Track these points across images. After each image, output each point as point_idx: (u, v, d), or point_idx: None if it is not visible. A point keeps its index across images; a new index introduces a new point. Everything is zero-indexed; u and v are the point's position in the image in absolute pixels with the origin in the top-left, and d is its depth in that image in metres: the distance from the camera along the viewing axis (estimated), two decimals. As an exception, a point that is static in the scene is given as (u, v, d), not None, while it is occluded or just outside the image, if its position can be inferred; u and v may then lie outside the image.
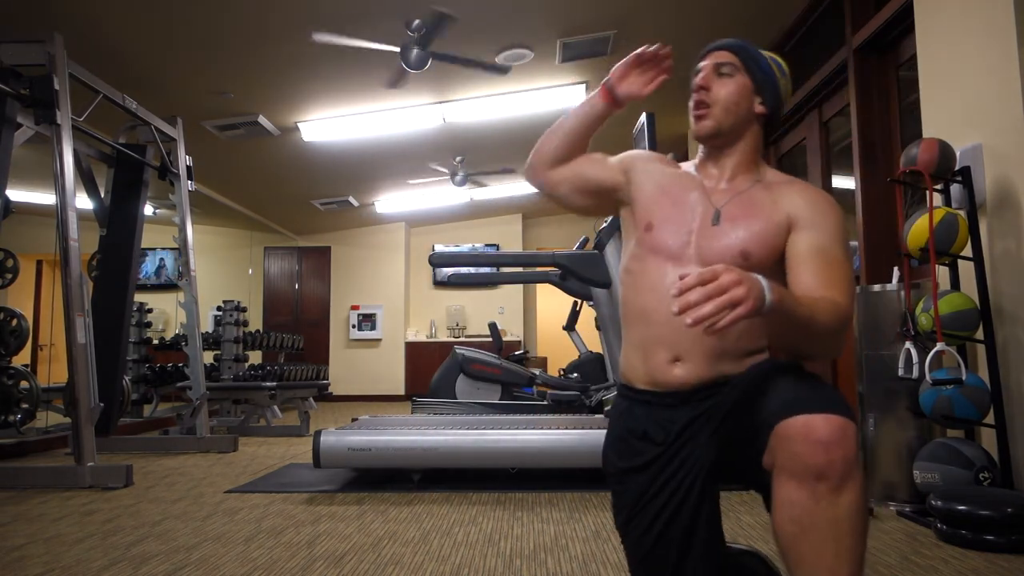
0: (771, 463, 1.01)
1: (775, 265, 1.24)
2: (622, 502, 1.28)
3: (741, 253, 1.22)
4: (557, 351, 9.13)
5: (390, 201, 8.35)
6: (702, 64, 1.34)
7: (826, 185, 4.28)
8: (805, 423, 0.96)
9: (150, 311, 6.07)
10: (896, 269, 2.71)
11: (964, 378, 2.32)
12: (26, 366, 4.33)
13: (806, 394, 1.01)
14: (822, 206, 1.25)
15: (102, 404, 3.48)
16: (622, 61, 1.35)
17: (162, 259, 9.24)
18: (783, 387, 1.05)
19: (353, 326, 9.29)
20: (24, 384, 3.86)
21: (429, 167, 6.92)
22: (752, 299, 0.93)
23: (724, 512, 2.42)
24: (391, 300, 9.36)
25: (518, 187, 8.14)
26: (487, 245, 9.56)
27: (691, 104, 1.32)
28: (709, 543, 1.19)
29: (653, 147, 3.21)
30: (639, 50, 1.34)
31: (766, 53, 1.37)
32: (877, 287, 2.74)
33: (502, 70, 4.56)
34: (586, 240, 4.55)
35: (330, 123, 5.65)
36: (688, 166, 1.40)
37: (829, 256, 1.20)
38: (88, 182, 4.49)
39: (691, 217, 1.28)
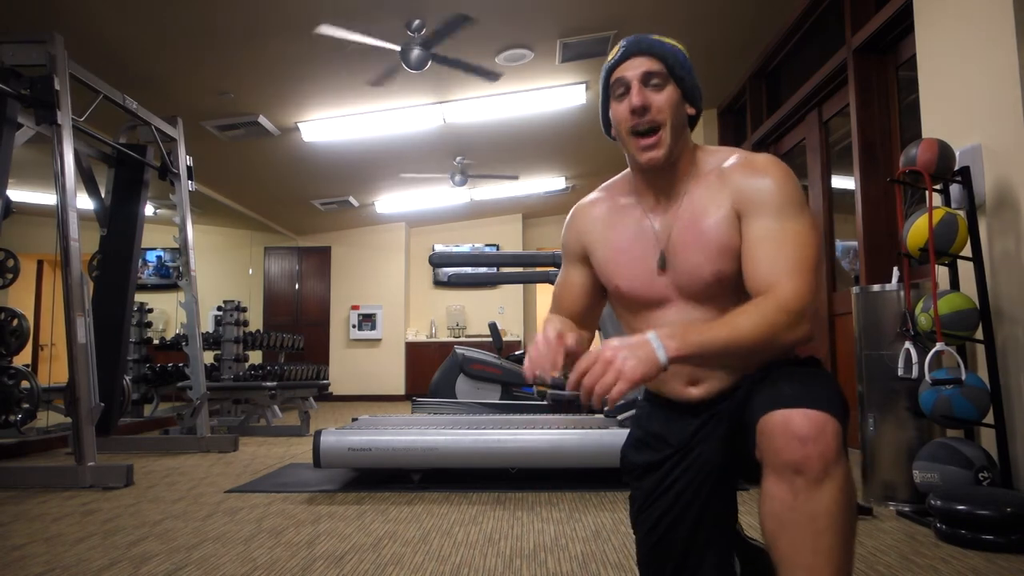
0: (760, 457, 1.02)
1: None
2: (636, 497, 1.32)
3: (714, 275, 1.18)
4: (557, 351, 9.11)
5: (390, 201, 8.35)
6: (626, 74, 1.18)
7: (826, 185, 4.28)
8: (783, 418, 0.96)
9: (150, 311, 6.08)
10: (896, 269, 2.71)
11: (964, 378, 2.32)
12: (27, 366, 4.32)
13: (792, 390, 1.00)
14: (761, 175, 1.17)
15: (102, 404, 3.48)
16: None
17: (159, 256, 9.24)
18: (775, 383, 1.05)
19: (353, 326, 9.29)
20: (25, 384, 3.86)
21: (429, 167, 6.92)
22: (633, 368, 0.97)
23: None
24: (391, 300, 9.36)
25: (518, 187, 8.14)
26: (487, 245, 9.56)
27: (630, 127, 1.18)
28: (714, 542, 1.20)
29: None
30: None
31: (667, 40, 1.23)
32: (877, 287, 2.74)
33: (495, 76, 4.56)
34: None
35: (330, 123, 5.65)
36: (623, 190, 1.32)
37: (775, 234, 1.13)
38: (88, 182, 4.49)
39: (653, 264, 1.23)
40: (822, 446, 0.94)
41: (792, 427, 0.95)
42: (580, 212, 1.37)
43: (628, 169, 1.33)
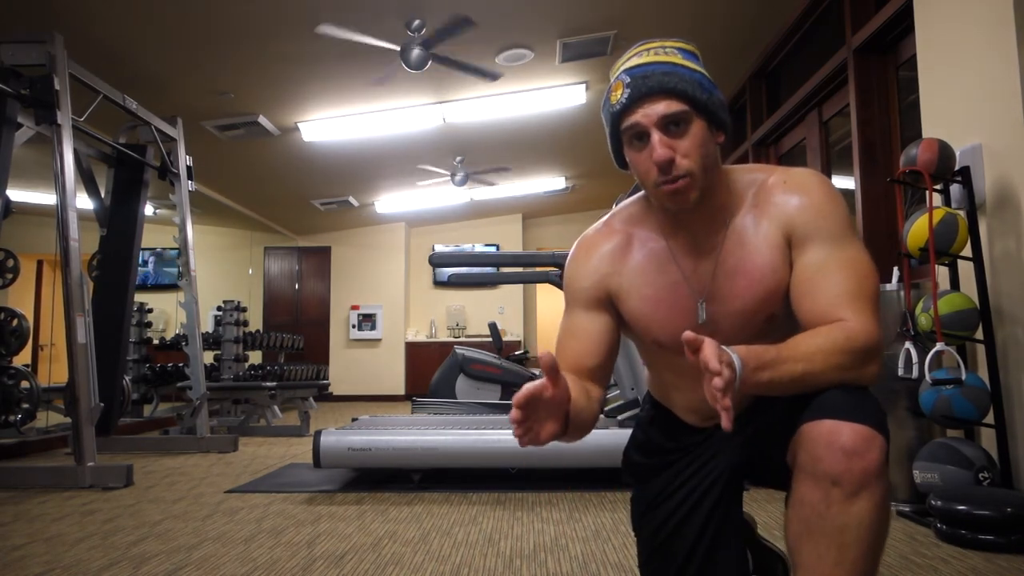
0: (793, 460, 1.00)
1: None
2: (640, 498, 1.30)
3: (766, 321, 1.10)
4: (557, 351, 9.12)
5: (390, 201, 8.35)
6: (640, 120, 1.02)
7: (826, 185, 4.27)
8: (831, 428, 0.93)
9: (150, 311, 6.08)
10: (896, 269, 2.71)
11: (964, 378, 2.32)
12: (27, 366, 4.32)
13: (839, 400, 0.96)
14: (809, 195, 1.08)
15: (102, 404, 3.48)
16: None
17: (147, 260, 9.10)
18: (823, 390, 0.99)
19: (353, 326, 9.29)
20: (24, 384, 3.86)
21: (429, 167, 6.93)
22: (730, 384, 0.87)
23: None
24: (391, 300, 9.36)
25: (518, 187, 8.15)
26: (487, 245, 9.56)
27: (655, 182, 1.04)
28: (720, 544, 1.19)
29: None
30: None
31: (677, 59, 1.05)
32: (877, 287, 2.74)
33: (494, 76, 4.56)
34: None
35: (330, 123, 5.65)
36: (644, 224, 1.18)
37: (834, 263, 1.04)
38: (88, 182, 4.49)
39: (694, 315, 1.13)
40: (867, 462, 0.91)
41: (840, 439, 0.92)
42: (593, 248, 1.20)
43: (640, 196, 1.21)
